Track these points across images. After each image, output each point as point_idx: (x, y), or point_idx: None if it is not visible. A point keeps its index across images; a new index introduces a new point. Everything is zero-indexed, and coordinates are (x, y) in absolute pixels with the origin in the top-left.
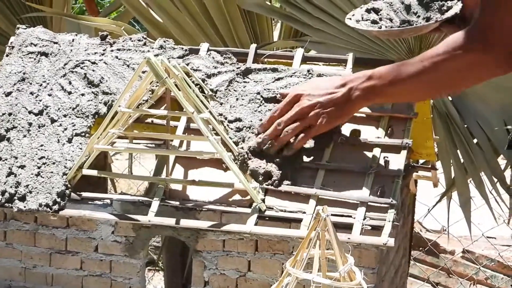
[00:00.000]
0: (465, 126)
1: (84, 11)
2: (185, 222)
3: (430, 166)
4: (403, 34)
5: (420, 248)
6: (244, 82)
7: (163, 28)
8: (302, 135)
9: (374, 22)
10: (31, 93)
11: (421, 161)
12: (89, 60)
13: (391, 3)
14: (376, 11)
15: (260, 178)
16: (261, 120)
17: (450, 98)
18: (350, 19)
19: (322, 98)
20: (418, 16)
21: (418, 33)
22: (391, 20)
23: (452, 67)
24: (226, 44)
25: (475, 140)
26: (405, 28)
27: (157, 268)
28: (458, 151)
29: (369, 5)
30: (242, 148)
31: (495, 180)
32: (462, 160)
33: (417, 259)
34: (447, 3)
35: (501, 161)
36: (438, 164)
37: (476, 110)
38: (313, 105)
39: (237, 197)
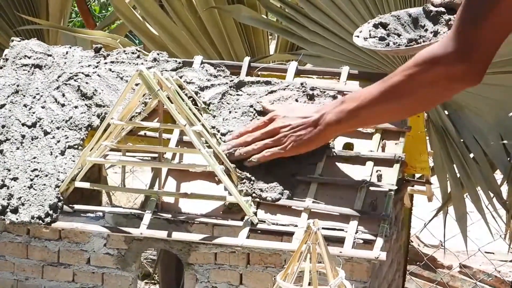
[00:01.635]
0: (461, 140)
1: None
2: (177, 235)
3: (424, 180)
4: (411, 52)
5: (417, 263)
6: (237, 95)
7: (159, 42)
8: (267, 151)
9: (382, 38)
10: (25, 106)
11: (417, 175)
12: (82, 73)
13: (399, 16)
14: (384, 25)
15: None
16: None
17: (446, 112)
18: (358, 36)
19: (294, 121)
20: (426, 30)
21: None
22: (399, 35)
23: (425, 80)
24: (222, 57)
25: (471, 155)
26: (412, 47)
27: (152, 281)
28: (454, 165)
29: (376, 19)
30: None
31: (492, 195)
32: (458, 175)
33: (414, 274)
34: (454, 17)
35: (498, 176)
36: (434, 179)
37: (472, 125)
38: (283, 126)
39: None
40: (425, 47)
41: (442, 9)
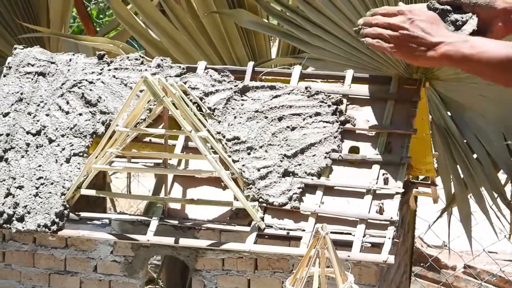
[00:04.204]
0: (465, 141)
1: (82, 30)
2: (184, 241)
3: (429, 182)
4: None
5: (422, 264)
6: (242, 100)
7: (161, 47)
8: (377, 41)
9: None
10: (29, 114)
11: (420, 177)
12: (86, 80)
13: None
14: None
15: None
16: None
17: (449, 113)
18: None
19: (415, 29)
20: None
21: None
22: None
23: None
24: (224, 62)
25: (474, 155)
26: None
27: (157, 286)
28: (458, 166)
29: None
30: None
31: (495, 195)
32: (462, 175)
33: (418, 275)
34: (461, 17)
35: (501, 176)
36: (438, 180)
37: (475, 125)
38: (404, 28)
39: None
40: None
41: (448, 7)
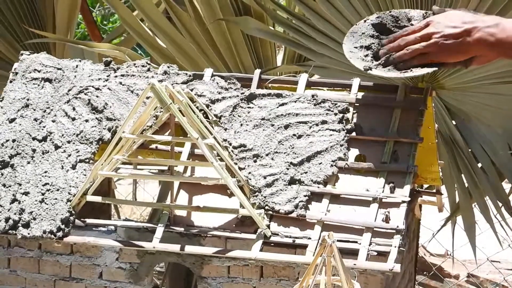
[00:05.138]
0: (469, 150)
1: (86, 35)
2: (190, 249)
3: (435, 191)
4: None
5: (425, 273)
6: (249, 107)
7: (167, 54)
8: (407, 48)
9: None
10: (35, 120)
11: (425, 185)
12: (93, 86)
13: (397, 18)
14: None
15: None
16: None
17: (454, 122)
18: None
19: (446, 29)
20: None
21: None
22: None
23: None
24: (230, 69)
25: (479, 164)
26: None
27: None
28: (463, 175)
29: (373, 18)
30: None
31: (500, 204)
32: (466, 184)
33: (421, 284)
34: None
35: (506, 185)
36: (442, 189)
37: (480, 134)
38: (436, 32)
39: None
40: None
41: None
